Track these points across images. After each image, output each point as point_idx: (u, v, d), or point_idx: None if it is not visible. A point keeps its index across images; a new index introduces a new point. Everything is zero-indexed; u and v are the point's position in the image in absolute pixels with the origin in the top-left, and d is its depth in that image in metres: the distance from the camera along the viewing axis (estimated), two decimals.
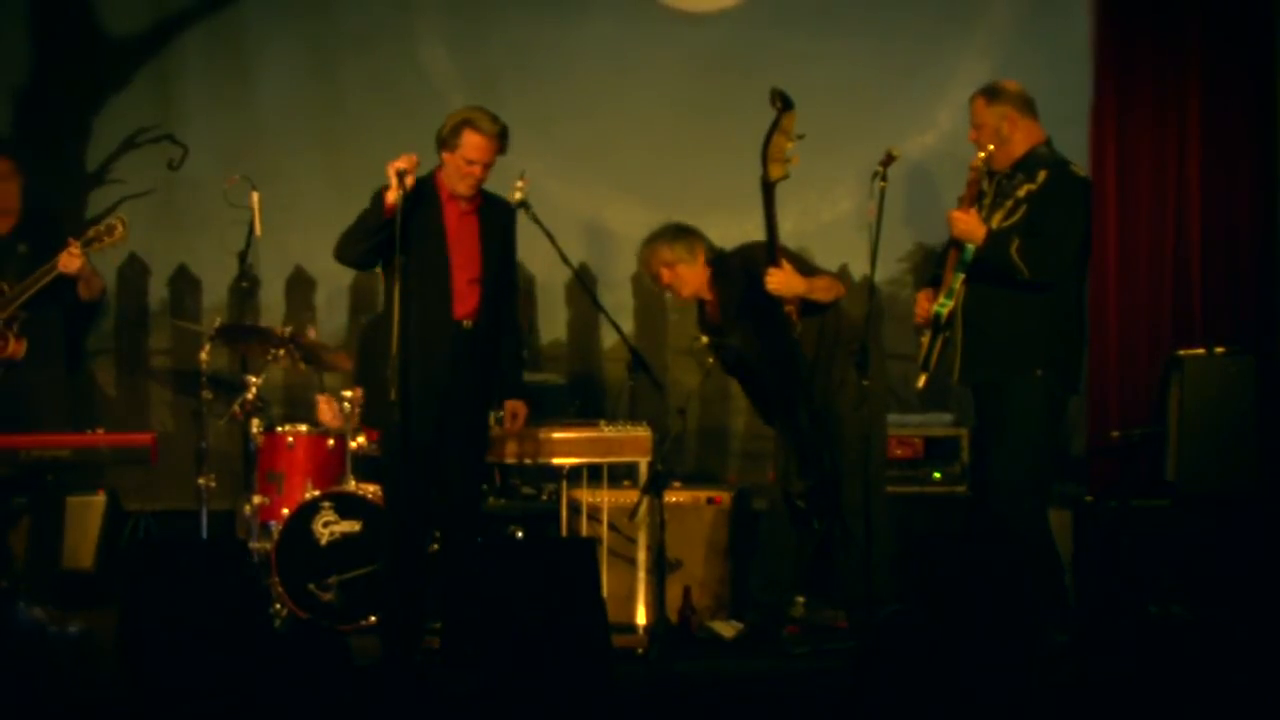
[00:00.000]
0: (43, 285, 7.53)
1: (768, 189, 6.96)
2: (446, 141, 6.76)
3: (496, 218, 6.91)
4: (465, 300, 6.83)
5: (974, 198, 6.93)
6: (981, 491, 7.45)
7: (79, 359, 8.27)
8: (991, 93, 6.97)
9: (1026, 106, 6.95)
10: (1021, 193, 6.87)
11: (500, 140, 6.76)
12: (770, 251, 7.09)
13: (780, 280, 7.08)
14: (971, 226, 6.84)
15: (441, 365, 6.74)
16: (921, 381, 7.04)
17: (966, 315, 6.90)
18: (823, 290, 7.21)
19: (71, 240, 7.52)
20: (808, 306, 7.20)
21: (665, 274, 7.45)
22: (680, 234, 7.45)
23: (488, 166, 6.77)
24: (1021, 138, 6.91)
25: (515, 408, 7.07)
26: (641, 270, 7.70)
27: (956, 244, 6.91)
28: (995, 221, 6.86)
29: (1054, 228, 6.82)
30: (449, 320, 6.79)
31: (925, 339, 7.01)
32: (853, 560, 7.09)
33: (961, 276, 6.89)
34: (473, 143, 6.73)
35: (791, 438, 7.30)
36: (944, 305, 6.92)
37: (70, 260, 7.49)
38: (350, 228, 6.84)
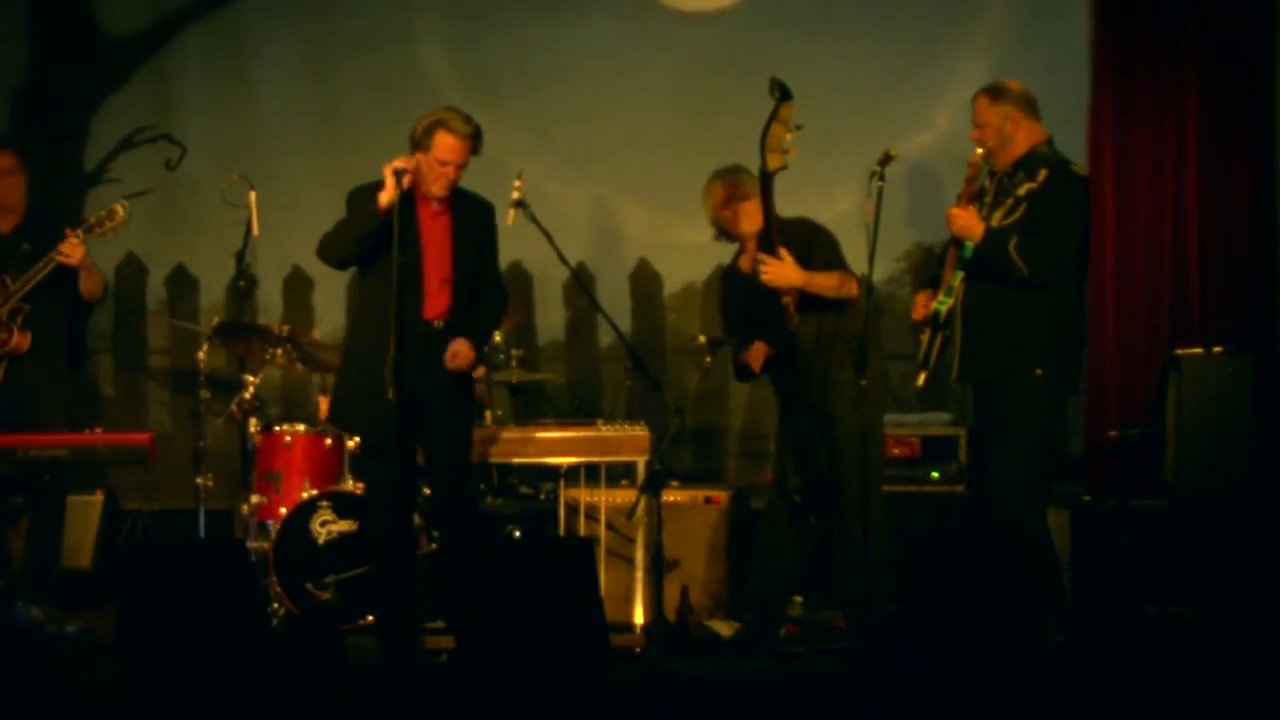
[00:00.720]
0: (44, 277, 7.53)
1: (766, 179, 6.95)
2: (420, 142, 6.74)
3: (471, 216, 6.88)
4: (436, 301, 6.79)
5: (973, 194, 6.94)
6: (980, 490, 7.45)
7: (81, 357, 8.25)
8: (995, 92, 6.98)
9: (1029, 106, 6.96)
10: (1022, 191, 6.88)
11: (473, 141, 6.73)
12: (767, 242, 7.07)
13: (774, 271, 7.07)
14: (970, 223, 6.85)
15: (411, 365, 6.66)
16: (921, 379, 7.03)
17: (966, 313, 6.91)
18: (827, 287, 7.18)
19: (69, 230, 7.52)
20: (818, 303, 7.18)
21: (738, 205, 7.29)
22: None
23: (460, 167, 6.74)
24: (1023, 137, 6.93)
25: (457, 346, 6.79)
26: (710, 194, 7.40)
27: (956, 242, 6.92)
28: (995, 220, 6.88)
29: (1054, 226, 6.83)
30: (419, 320, 6.76)
31: (925, 337, 7.01)
32: (850, 560, 7.10)
33: (961, 275, 6.90)
34: (445, 144, 6.70)
35: (788, 433, 7.29)
36: (943, 303, 6.93)
37: (72, 249, 7.49)
38: (335, 230, 6.83)
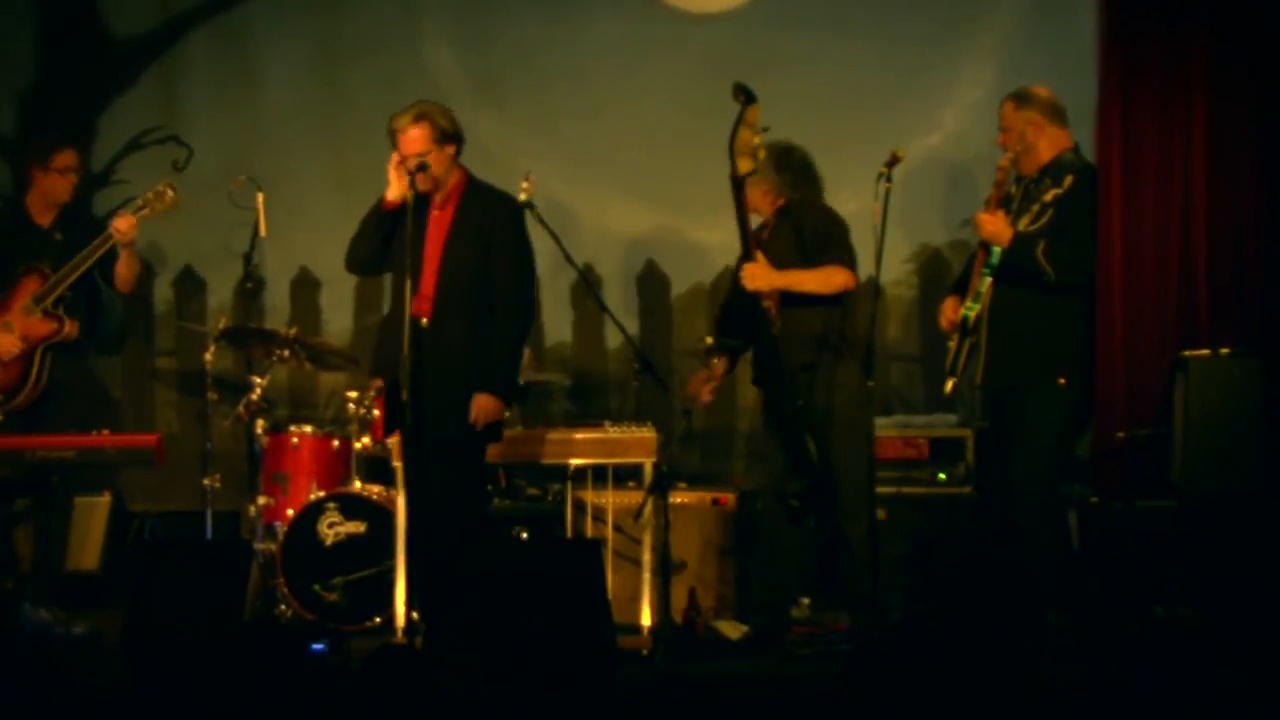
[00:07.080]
0: (96, 259, 7.51)
1: (737, 184, 6.96)
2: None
3: (474, 210, 6.81)
4: (424, 297, 6.74)
5: (1000, 199, 6.98)
6: (988, 493, 7.45)
7: (115, 339, 8.25)
8: (1020, 98, 7.08)
9: (1054, 113, 7.05)
10: (1049, 197, 6.95)
11: (415, 126, 6.72)
12: (744, 247, 7.08)
13: (749, 274, 7.06)
14: (998, 228, 6.89)
15: (406, 364, 6.61)
16: (949, 387, 7.07)
17: (993, 319, 6.95)
18: (813, 282, 7.15)
19: (121, 211, 7.53)
20: (816, 299, 7.17)
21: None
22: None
23: (423, 155, 6.69)
24: (1047, 144, 7.02)
25: (476, 403, 6.74)
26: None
27: (984, 246, 6.96)
28: (1022, 225, 6.94)
29: (1082, 231, 6.93)
30: (411, 318, 6.69)
31: (952, 344, 7.05)
32: (853, 562, 7.09)
33: (989, 281, 6.94)
34: (397, 143, 6.73)
35: (779, 438, 7.29)
36: (971, 309, 6.98)
37: (129, 226, 7.48)
38: (353, 235, 6.84)
